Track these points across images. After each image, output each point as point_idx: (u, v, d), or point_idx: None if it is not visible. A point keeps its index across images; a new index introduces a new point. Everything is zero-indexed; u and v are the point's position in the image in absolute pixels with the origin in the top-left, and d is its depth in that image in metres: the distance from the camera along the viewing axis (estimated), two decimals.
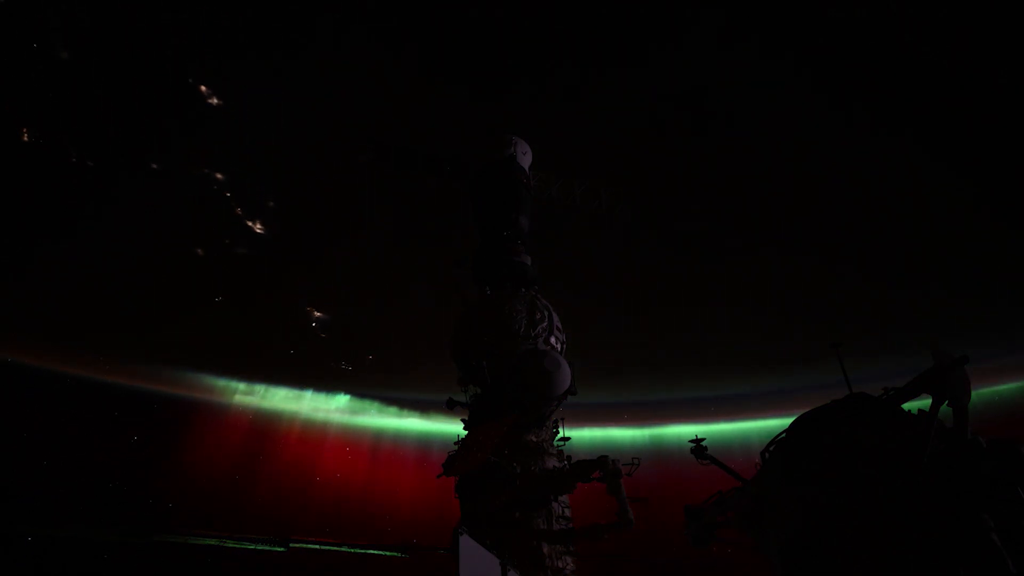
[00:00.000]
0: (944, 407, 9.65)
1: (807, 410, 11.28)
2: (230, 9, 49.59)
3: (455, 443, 24.31)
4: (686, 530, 12.48)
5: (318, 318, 59.50)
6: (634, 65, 53.60)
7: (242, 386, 64.51)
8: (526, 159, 31.14)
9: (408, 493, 59.62)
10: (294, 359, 63.31)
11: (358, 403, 67.34)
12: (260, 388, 65.40)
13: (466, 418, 25.21)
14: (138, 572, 46.74)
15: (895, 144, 50.58)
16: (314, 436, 66.32)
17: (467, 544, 10.44)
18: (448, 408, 25.86)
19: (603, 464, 21.71)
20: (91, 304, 55.58)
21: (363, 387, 66.64)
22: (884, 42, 48.90)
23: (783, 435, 11.20)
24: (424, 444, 65.33)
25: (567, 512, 22.14)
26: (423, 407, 66.14)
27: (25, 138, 45.77)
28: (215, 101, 51.59)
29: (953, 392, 9.54)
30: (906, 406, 10.34)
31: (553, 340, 25.52)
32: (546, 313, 26.00)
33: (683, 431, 64.36)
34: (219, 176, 53.85)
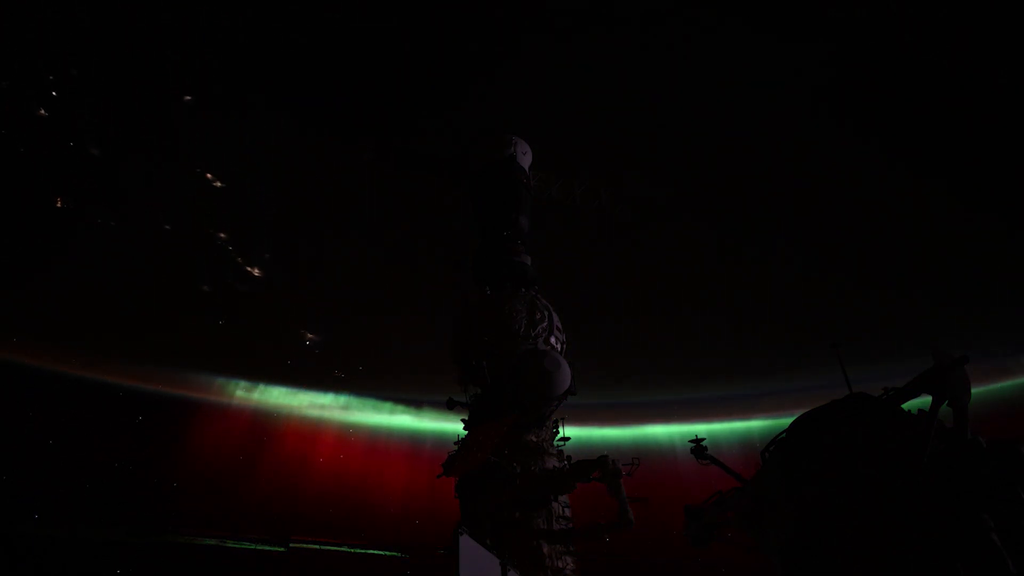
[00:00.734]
0: (944, 407, 9.66)
1: (807, 410, 11.30)
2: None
3: (455, 443, 24.31)
4: (686, 530, 12.48)
5: (311, 339, 62.31)
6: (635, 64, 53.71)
7: (241, 385, 64.88)
8: (526, 159, 31.16)
9: (401, 484, 60.37)
10: (292, 362, 64.56)
11: (355, 400, 68.31)
12: (259, 387, 65.88)
13: (466, 418, 25.21)
14: (138, 572, 46.80)
15: (891, 155, 50.93)
16: (311, 432, 67.11)
17: (467, 544, 10.44)
18: (448, 408, 25.87)
19: (603, 464, 21.73)
20: (90, 305, 55.81)
21: (360, 387, 67.59)
22: (882, 43, 48.95)
23: (783, 435, 11.20)
24: (416, 440, 66.52)
25: (567, 512, 22.14)
26: (416, 404, 67.03)
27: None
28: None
29: (953, 392, 9.54)
30: (906, 406, 10.35)
31: (553, 340, 25.53)
32: (546, 313, 26.02)
33: (667, 431, 65.47)
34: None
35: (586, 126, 56.05)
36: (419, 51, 54.33)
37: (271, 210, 57.19)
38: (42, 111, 46.99)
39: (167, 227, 54.66)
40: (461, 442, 23.86)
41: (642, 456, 22.82)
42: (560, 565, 20.86)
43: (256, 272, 57.79)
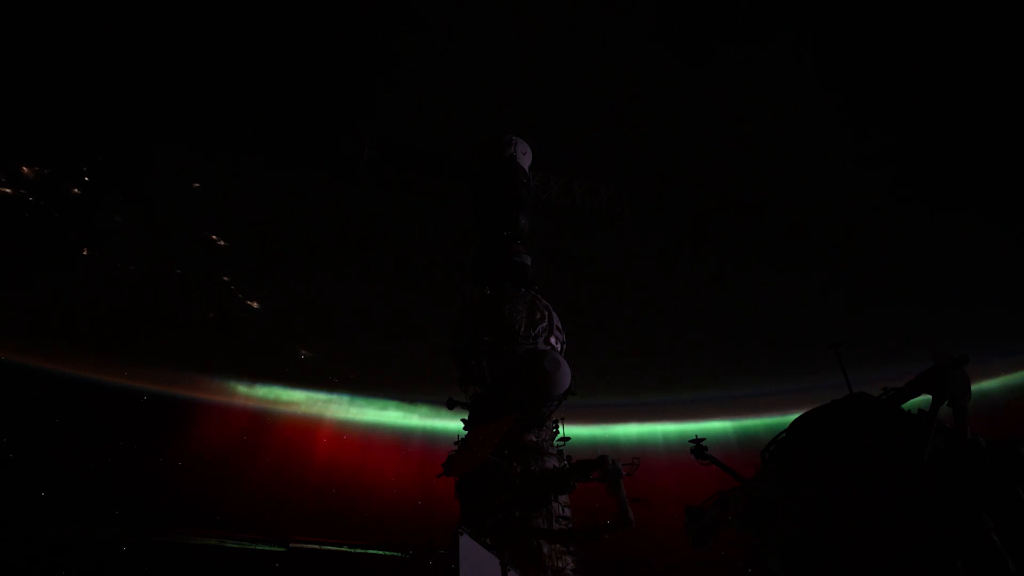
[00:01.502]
0: (944, 407, 9.66)
1: (807, 409, 11.30)
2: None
3: (455, 443, 24.30)
4: (686, 530, 12.48)
5: (307, 355, 66.40)
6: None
7: (240, 386, 65.30)
8: (526, 159, 31.11)
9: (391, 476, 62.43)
10: (293, 364, 66.29)
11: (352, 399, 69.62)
12: (258, 387, 66.47)
13: (466, 418, 25.20)
14: (138, 572, 46.78)
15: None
16: (309, 429, 68.16)
17: (467, 544, 10.44)
18: (448, 408, 25.84)
19: (603, 464, 21.72)
20: (91, 306, 56.05)
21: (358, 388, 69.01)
22: (879, 44, 48.96)
23: (783, 435, 11.20)
24: (405, 436, 68.62)
25: (567, 512, 22.13)
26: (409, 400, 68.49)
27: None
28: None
29: (953, 392, 9.55)
30: (906, 406, 10.35)
31: (553, 340, 25.51)
32: (546, 313, 26.00)
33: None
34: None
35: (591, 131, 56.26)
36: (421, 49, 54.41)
37: (268, 250, 60.03)
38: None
39: (178, 271, 59.10)
40: (461, 442, 23.85)
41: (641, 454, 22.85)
42: (560, 565, 20.84)
43: (255, 304, 62.82)
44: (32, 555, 43.54)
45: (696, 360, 60.97)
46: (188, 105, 52.47)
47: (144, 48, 49.86)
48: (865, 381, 11.61)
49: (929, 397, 9.73)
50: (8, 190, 50.37)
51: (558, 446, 24.16)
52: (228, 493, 53.02)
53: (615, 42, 53.23)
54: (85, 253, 55.21)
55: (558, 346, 25.66)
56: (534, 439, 23.33)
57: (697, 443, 13.73)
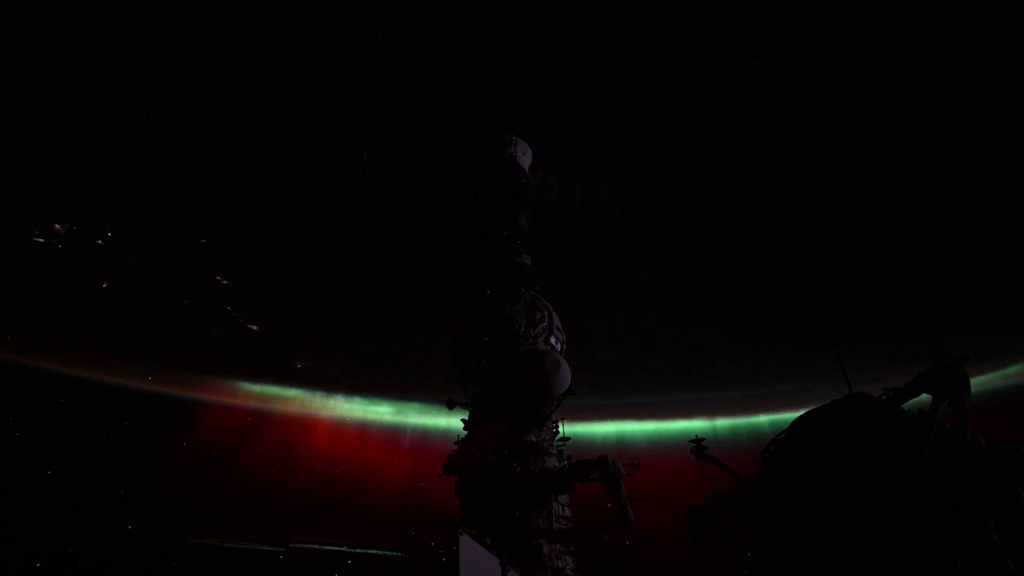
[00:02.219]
0: (944, 407, 9.65)
1: (807, 409, 11.29)
2: None
3: (455, 443, 24.28)
4: (686, 530, 12.48)
5: (302, 366, 68.53)
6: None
7: (240, 386, 65.62)
8: (526, 159, 31.08)
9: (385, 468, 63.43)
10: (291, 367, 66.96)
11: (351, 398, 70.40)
12: (257, 387, 66.82)
13: (466, 418, 25.19)
14: (138, 572, 46.76)
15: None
16: (308, 426, 68.86)
17: (467, 544, 10.44)
18: (448, 408, 25.82)
19: (603, 464, 21.71)
20: (89, 306, 56.09)
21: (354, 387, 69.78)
22: (878, 44, 48.96)
23: (783, 435, 11.19)
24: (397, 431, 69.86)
25: (567, 512, 22.12)
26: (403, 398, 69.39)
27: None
28: None
29: (953, 392, 9.54)
30: (906, 406, 10.34)
31: (553, 340, 25.48)
32: (546, 313, 25.97)
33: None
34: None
35: (589, 131, 56.24)
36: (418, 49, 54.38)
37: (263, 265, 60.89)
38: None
39: (186, 301, 61.42)
40: (461, 442, 23.83)
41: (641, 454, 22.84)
42: (560, 565, 20.83)
43: (255, 327, 65.43)
44: (32, 555, 43.54)
45: (696, 360, 61.11)
46: (188, 105, 52.48)
47: (144, 48, 49.89)
48: (865, 381, 11.61)
49: (929, 397, 9.73)
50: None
51: (558, 446, 24.15)
52: (228, 493, 53.14)
53: (615, 42, 53.23)
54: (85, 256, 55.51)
55: (558, 346, 25.63)
56: (534, 439, 23.32)
57: (697, 443, 13.73)
